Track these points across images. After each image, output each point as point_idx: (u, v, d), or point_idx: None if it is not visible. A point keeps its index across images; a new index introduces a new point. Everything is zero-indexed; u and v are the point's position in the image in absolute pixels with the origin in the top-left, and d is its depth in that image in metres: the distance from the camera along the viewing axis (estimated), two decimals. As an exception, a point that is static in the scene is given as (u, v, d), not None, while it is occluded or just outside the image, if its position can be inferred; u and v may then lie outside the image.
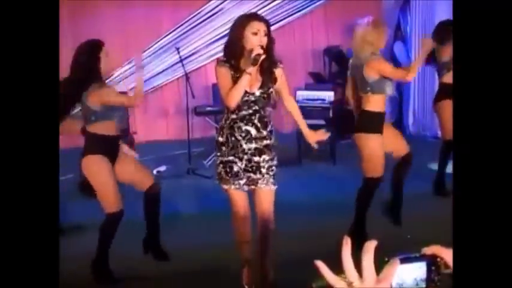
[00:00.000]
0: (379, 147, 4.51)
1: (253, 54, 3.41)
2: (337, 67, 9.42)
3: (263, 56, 3.42)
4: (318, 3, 9.61)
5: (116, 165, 4.13)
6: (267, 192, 3.66)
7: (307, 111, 7.67)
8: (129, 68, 8.22)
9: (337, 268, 1.01)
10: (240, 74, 3.49)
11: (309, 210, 5.50)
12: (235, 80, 3.50)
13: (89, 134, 4.06)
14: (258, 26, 3.47)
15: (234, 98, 3.47)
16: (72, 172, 5.98)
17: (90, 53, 3.94)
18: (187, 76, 7.42)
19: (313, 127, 7.49)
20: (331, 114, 7.50)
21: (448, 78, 5.43)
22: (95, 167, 4.02)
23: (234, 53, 3.52)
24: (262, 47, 3.43)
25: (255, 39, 3.45)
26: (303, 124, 3.84)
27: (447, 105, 5.33)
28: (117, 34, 8.25)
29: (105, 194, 4.05)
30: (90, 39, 4.06)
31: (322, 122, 7.52)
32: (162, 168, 7.21)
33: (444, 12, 8.14)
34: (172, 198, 6.04)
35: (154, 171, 6.99)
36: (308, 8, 9.60)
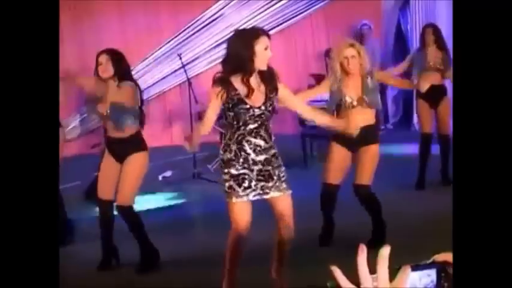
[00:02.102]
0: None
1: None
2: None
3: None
4: (318, 6, 9.64)
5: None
6: (282, 198, 3.65)
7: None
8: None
9: (347, 272, 1.03)
10: (236, 91, 3.50)
11: (316, 212, 5.51)
12: (231, 97, 3.50)
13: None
14: (267, 42, 3.50)
15: (203, 129, 3.67)
16: (78, 179, 6.00)
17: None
18: (189, 82, 7.45)
19: (318, 128, 7.56)
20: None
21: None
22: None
23: (243, 68, 3.49)
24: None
25: (267, 54, 3.48)
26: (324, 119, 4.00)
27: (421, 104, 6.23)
28: (118, 41, 8.27)
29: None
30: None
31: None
32: (168, 173, 7.23)
33: (444, 11, 8.17)
34: (178, 203, 6.07)
35: (160, 177, 7.01)
36: (308, 11, 9.62)
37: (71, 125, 8.40)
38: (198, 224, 5.51)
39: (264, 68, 3.51)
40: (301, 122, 7.70)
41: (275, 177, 3.59)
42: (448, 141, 6.04)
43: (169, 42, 9.15)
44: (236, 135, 3.56)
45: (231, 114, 3.54)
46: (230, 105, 3.51)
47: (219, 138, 8.39)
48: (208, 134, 3.78)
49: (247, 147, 3.54)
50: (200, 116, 7.96)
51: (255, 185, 3.55)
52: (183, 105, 8.71)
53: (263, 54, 3.46)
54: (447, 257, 1.09)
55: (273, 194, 3.60)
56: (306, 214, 5.34)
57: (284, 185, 3.63)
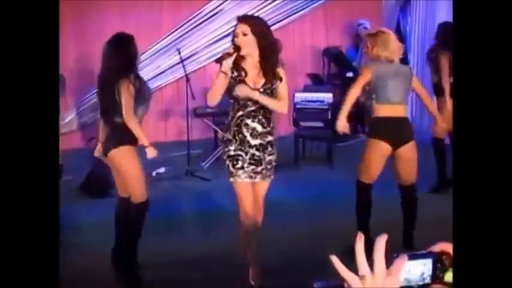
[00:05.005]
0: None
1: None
2: (336, 68, 9.42)
3: (230, 57, 3.61)
4: (317, 4, 9.61)
5: None
6: (263, 184, 3.92)
7: (305, 113, 7.67)
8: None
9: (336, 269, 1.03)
10: (239, 73, 3.73)
11: (306, 213, 5.50)
12: (234, 77, 3.72)
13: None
14: (239, 28, 3.69)
15: (211, 96, 3.71)
16: (72, 173, 5.97)
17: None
18: (187, 77, 7.42)
19: (312, 129, 7.56)
20: (329, 116, 7.45)
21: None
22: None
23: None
24: (235, 47, 3.65)
25: (240, 40, 3.67)
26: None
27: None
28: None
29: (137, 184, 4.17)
30: None
31: (320, 124, 7.50)
32: (161, 170, 7.19)
33: (444, 12, 8.16)
34: (171, 200, 6.05)
35: (154, 173, 6.98)
36: (307, 9, 9.60)
37: (68, 118, 8.37)
38: (189, 221, 5.49)
39: (243, 53, 3.67)
40: (295, 123, 7.69)
41: (264, 163, 3.82)
42: (438, 145, 6.02)
43: (168, 36, 9.09)
44: (236, 117, 3.78)
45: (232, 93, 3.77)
46: (232, 85, 3.72)
47: (220, 132, 8.37)
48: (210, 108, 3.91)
49: (244, 130, 3.77)
50: (196, 113, 7.95)
51: (246, 167, 3.79)
52: (179, 101, 8.68)
53: (240, 41, 3.67)
54: (443, 247, 1.12)
55: (257, 180, 3.85)
56: (295, 214, 5.37)
57: (269, 173, 3.89)
